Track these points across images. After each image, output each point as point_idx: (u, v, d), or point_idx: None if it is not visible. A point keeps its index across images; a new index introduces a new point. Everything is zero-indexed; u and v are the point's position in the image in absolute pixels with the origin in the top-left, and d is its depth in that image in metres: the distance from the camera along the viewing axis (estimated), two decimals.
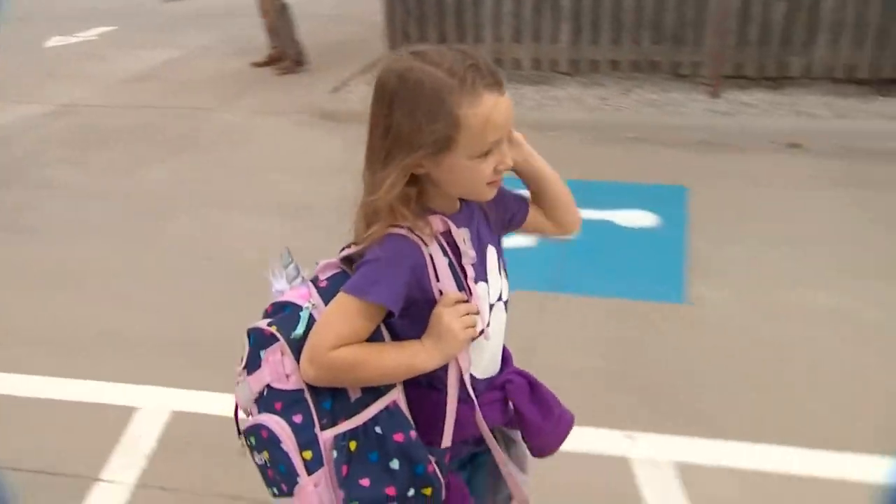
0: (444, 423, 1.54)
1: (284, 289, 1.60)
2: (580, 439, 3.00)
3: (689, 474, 2.85)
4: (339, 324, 1.45)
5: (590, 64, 7.31)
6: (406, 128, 1.40)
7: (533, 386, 1.66)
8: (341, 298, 1.46)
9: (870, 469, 2.86)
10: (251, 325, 1.55)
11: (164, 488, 2.84)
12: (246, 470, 2.83)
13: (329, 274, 1.57)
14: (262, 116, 7.19)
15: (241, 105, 7.55)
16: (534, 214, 1.74)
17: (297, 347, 1.48)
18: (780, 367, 3.47)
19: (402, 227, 1.47)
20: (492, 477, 1.73)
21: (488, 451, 1.64)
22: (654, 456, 2.96)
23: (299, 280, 1.60)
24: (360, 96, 7.34)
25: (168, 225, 5.05)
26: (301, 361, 1.47)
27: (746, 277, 4.20)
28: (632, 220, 4.79)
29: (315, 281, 1.58)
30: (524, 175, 1.68)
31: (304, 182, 5.64)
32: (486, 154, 1.43)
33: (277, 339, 1.50)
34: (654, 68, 7.23)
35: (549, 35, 7.27)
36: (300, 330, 1.48)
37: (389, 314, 1.47)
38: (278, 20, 8.18)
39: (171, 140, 6.69)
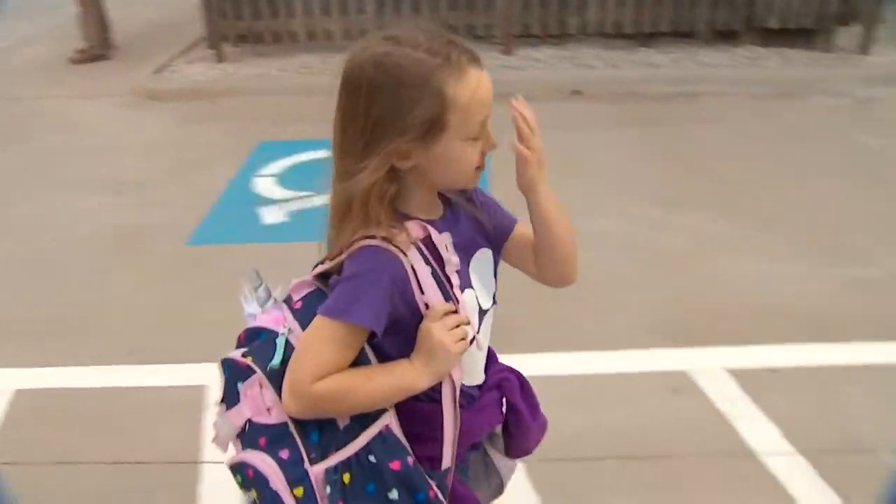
0: (441, 437, 1.34)
1: (256, 312, 1.39)
2: None
3: None
4: (319, 351, 1.24)
5: None
6: (389, 114, 1.20)
7: (522, 384, 1.49)
8: (319, 322, 1.24)
9: (636, 361, 3.10)
10: (224, 356, 1.35)
11: (14, 463, 2.68)
12: (87, 438, 2.76)
13: (303, 293, 1.34)
14: (89, 100, 6.75)
15: (68, 91, 7.05)
16: (521, 246, 1.45)
17: (276, 378, 1.28)
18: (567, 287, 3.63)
19: (375, 237, 1.24)
20: (483, 465, 1.55)
21: (477, 447, 1.50)
22: None
23: (271, 302, 1.38)
24: (183, 75, 7.06)
25: (1, 211, 4.70)
26: (283, 395, 1.26)
27: None
28: None
29: (289, 302, 1.35)
30: (530, 210, 1.38)
31: (134, 159, 5.37)
32: (476, 137, 1.25)
33: (254, 371, 1.30)
34: (452, 32, 7.23)
35: (356, 7, 7.16)
36: (277, 360, 1.28)
37: (373, 334, 1.26)
38: (91, 9, 7.63)
39: (1, 129, 6.19)
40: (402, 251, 1.24)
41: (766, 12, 7.00)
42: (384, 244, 1.24)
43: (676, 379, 2.99)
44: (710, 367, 3.05)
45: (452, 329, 1.27)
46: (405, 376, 1.27)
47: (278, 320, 1.33)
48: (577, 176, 4.75)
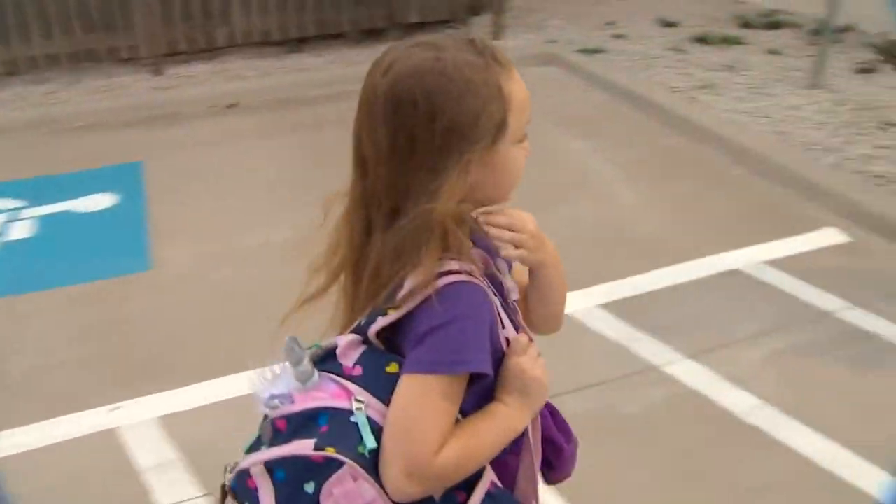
0: (515, 485, 1.22)
1: (292, 391, 1.12)
2: (67, 428, 2.84)
3: (170, 423, 2.86)
4: (434, 418, 1.06)
5: (28, 61, 6.65)
6: (461, 119, 1.06)
7: (552, 412, 1.35)
8: (421, 382, 1.06)
9: None
10: (269, 456, 1.10)
11: None
12: None
13: (356, 355, 1.14)
14: None
15: None
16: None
17: (371, 464, 1.06)
18: (238, 305, 3.57)
19: (459, 272, 1.10)
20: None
21: None
22: (139, 418, 2.90)
23: (316, 377, 1.13)
24: None
25: None
26: (393, 479, 1.05)
27: (204, 231, 4.24)
28: (90, 205, 4.53)
29: (338, 370, 1.13)
30: (532, 273, 1.28)
31: None
32: (522, 139, 1.15)
33: (339, 464, 1.05)
34: (94, 57, 6.81)
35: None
36: (372, 441, 1.06)
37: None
38: None
39: None
40: (485, 285, 1.14)
41: (406, 8, 7.36)
42: (471, 279, 1.11)
43: None
44: None
45: (537, 360, 1.19)
46: (506, 420, 1.15)
47: (338, 395, 1.11)
48: (241, 191, 4.68)
